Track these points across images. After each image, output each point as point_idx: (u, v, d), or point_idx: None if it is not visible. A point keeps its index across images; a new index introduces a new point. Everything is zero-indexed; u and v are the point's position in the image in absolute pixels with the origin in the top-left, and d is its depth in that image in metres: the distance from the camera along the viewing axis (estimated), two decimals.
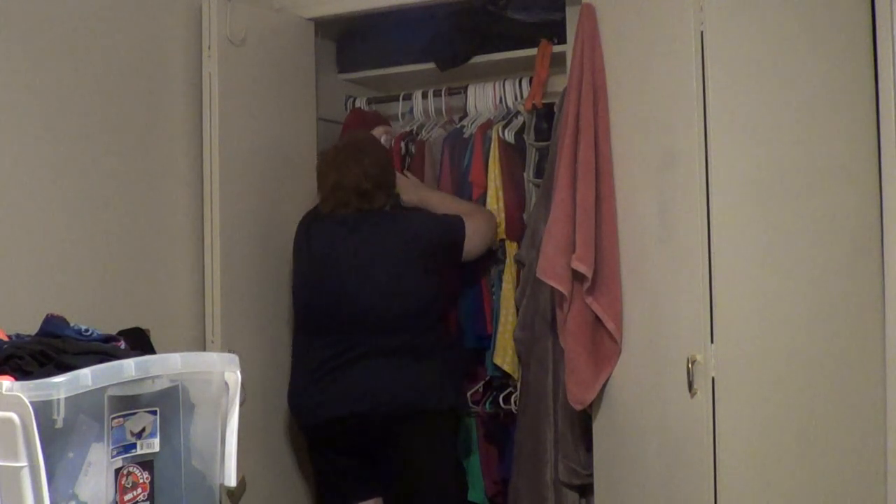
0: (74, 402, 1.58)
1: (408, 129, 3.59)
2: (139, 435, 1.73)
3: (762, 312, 2.31)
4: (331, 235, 2.96)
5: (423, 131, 3.55)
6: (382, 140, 3.24)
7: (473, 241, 3.03)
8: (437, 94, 3.54)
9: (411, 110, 3.62)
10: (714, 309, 2.28)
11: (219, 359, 1.92)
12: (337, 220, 2.96)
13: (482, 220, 3.08)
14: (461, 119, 3.49)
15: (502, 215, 3.22)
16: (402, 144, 3.52)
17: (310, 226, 3.01)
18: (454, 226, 3.01)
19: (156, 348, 2.66)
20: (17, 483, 1.50)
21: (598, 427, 2.72)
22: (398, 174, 3.15)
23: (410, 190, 3.15)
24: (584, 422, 2.81)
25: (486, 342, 3.26)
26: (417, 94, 3.59)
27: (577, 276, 2.57)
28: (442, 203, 3.13)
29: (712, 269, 2.28)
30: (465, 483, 3.35)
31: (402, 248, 2.91)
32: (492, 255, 3.27)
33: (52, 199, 2.57)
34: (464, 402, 3.19)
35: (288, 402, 3.01)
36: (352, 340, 2.86)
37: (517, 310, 3.10)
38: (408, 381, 2.85)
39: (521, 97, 3.35)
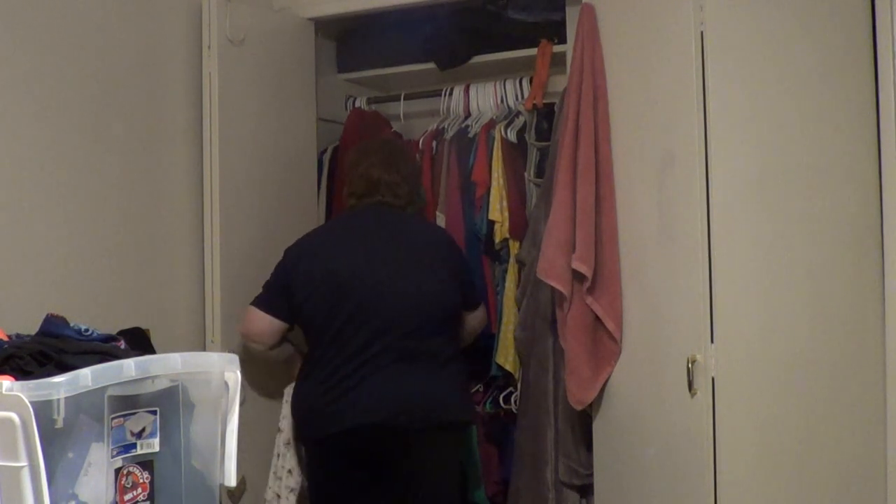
0: (74, 402, 1.58)
1: (437, 126, 3.52)
2: (139, 435, 1.73)
3: (762, 312, 2.31)
4: (352, 237, 2.82)
5: (448, 129, 3.48)
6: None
7: (475, 316, 3.00)
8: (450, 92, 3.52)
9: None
10: (714, 309, 2.28)
11: (219, 359, 1.91)
12: (363, 218, 2.86)
13: (484, 314, 3.08)
14: (465, 119, 3.48)
15: (506, 214, 3.21)
16: (433, 143, 3.47)
17: (320, 238, 2.88)
18: (476, 286, 3.04)
19: (156, 348, 2.66)
20: (17, 483, 1.50)
21: (598, 427, 2.72)
22: None
23: None
24: (584, 422, 2.81)
25: (492, 342, 3.25)
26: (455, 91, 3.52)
27: (577, 276, 2.58)
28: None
29: (712, 269, 2.28)
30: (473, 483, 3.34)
31: (433, 249, 2.83)
32: (496, 255, 3.28)
33: (52, 199, 2.57)
34: (475, 417, 3.13)
35: (295, 414, 2.82)
36: (376, 345, 2.68)
37: (518, 309, 3.10)
38: (437, 390, 2.73)
39: (522, 97, 3.35)
